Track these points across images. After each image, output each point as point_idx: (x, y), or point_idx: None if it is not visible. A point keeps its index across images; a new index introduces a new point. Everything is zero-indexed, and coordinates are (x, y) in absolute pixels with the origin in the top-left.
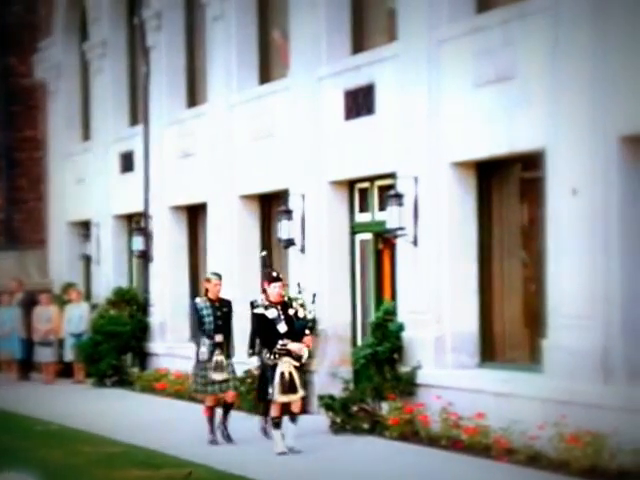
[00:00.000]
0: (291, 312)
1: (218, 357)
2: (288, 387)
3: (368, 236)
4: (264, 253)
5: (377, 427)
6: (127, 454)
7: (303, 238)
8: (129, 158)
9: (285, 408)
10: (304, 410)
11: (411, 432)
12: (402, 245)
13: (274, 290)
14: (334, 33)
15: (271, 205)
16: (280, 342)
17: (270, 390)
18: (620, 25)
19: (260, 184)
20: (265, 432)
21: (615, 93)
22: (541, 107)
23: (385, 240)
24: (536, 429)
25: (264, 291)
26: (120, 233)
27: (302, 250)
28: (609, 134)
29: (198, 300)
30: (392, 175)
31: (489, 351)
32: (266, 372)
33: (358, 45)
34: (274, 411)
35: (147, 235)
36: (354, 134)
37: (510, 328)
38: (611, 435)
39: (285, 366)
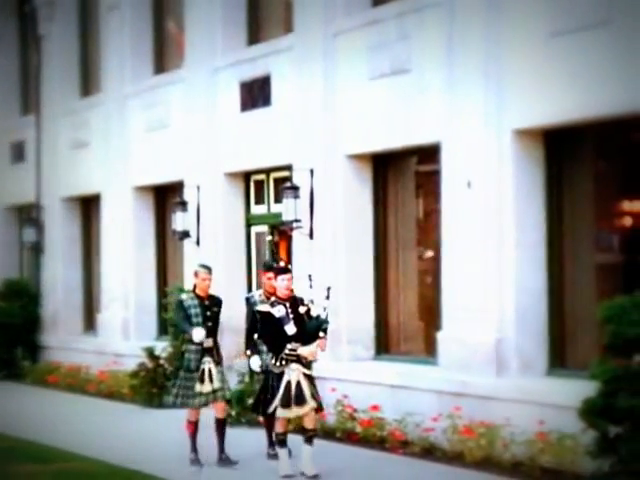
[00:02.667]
0: (301, 310)
1: (207, 365)
2: (294, 399)
3: (264, 228)
4: (270, 238)
5: None
6: (17, 449)
7: (198, 230)
8: (20, 148)
9: (296, 424)
10: None
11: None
12: (298, 237)
13: (282, 284)
14: (230, 24)
15: (166, 197)
16: (288, 346)
17: (276, 402)
18: (513, 19)
19: (155, 175)
20: (270, 456)
21: (508, 87)
22: (436, 100)
23: (281, 232)
24: (431, 421)
25: (270, 286)
26: (11, 224)
27: (197, 242)
28: (503, 128)
29: (184, 297)
30: (288, 167)
31: (385, 343)
32: (269, 380)
33: (254, 37)
34: (279, 426)
35: (39, 226)
36: (250, 126)
37: (406, 321)
38: (504, 426)
39: (293, 374)
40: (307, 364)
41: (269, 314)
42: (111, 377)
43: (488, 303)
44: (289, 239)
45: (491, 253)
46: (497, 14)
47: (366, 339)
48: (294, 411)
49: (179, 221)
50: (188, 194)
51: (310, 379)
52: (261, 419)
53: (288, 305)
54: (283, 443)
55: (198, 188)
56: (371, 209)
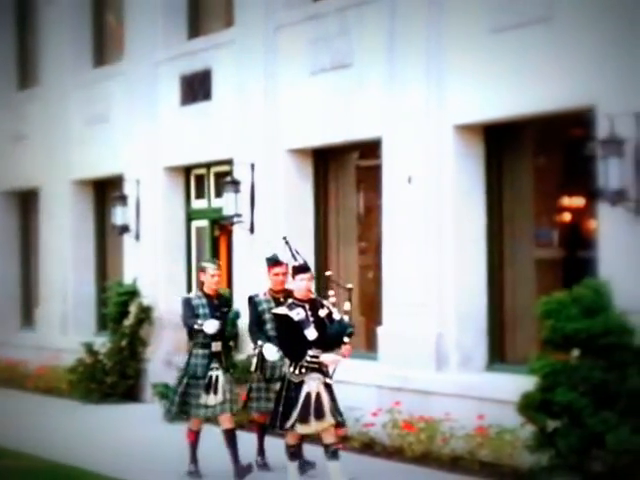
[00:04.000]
0: (322, 313)
1: (214, 373)
2: (314, 412)
3: (204, 223)
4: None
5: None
6: None
7: (138, 225)
8: None
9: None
10: (137, 398)
11: (247, 420)
12: (239, 232)
13: (301, 284)
14: (170, 17)
15: (106, 191)
16: (309, 353)
17: (294, 415)
18: (454, 15)
19: (95, 169)
20: (260, 465)
21: (449, 82)
22: (377, 95)
23: (222, 227)
24: (370, 416)
25: (277, 283)
26: None
27: (137, 237)
28: (444, 123)
29: (192, 295)
30: (229, 161)
31: None
32: (286, 391)
33: (194, 30)
34: (291, 438)
35: None
36: (190, 120)
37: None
38: (444, 421)
39: (313, 385)
40: (327, 373)
41: (287, 317)
42: (49, 372)
43: (428, 298)
44: (230, 234)
45: (431, 248)
46: (438, 10)
47: None
48: (313, 426)
49: (119, 215)
50: (128, 188)
51: (330, 390)
52: (255, 418)
53: (307, 307)
54: (294, 456)
55: (138, 182)
56: (312, 204)
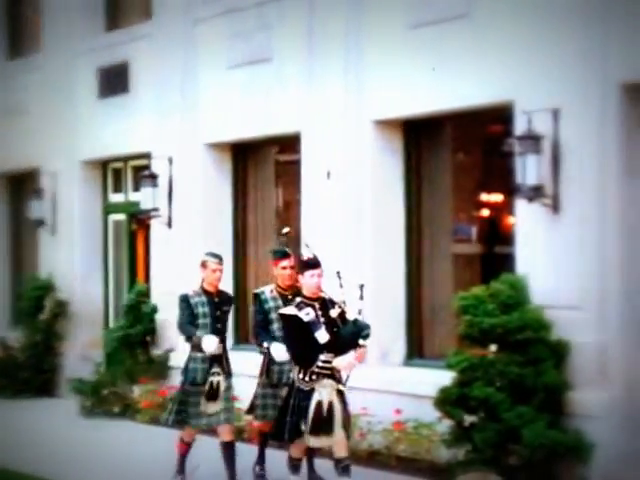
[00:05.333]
0: (333, 313)
1: (215, 378)
2: (327, 424)
3: (122, 217)
4: (287, 230)
5: (128, 410)
6: None
7: (54, 218)
8: None
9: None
10: (52, 393)
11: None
12: (156, 226)
13: (311, 281)
14: (88, 9)
15: (22, 184)
16: (321, 357)
17: (303, 427)
18: (374, 10)
19: (10, 162)
20: (259, 476)
21: (369, 78)
22: (296, 90)
23: (139, 221)
24: None
25: (285, 278)
26: None
27: (53, 231)
28: (363, 118)
29: (191, 293)
30: (146, 155)
31: (244, 334)
32: (294, 399)
33: (112, 23)
34: (296, 450)
35: None
36: (108, 113)
37: None
38: (361, 416)
39: (325, 392)
40: (340, 379)
41: (296, 318)
42: None
43: (346, 293)
44: (147, 228)
45: (350, 243)
46: (357, 5)
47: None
48: (325, 439)
49: (34, 209)
50: (44, 181)
51: (343, 398)
52: (259, 426)
53: (318, 307)
54: (296, 469)
55: (55, 175)
56: (230, 198)
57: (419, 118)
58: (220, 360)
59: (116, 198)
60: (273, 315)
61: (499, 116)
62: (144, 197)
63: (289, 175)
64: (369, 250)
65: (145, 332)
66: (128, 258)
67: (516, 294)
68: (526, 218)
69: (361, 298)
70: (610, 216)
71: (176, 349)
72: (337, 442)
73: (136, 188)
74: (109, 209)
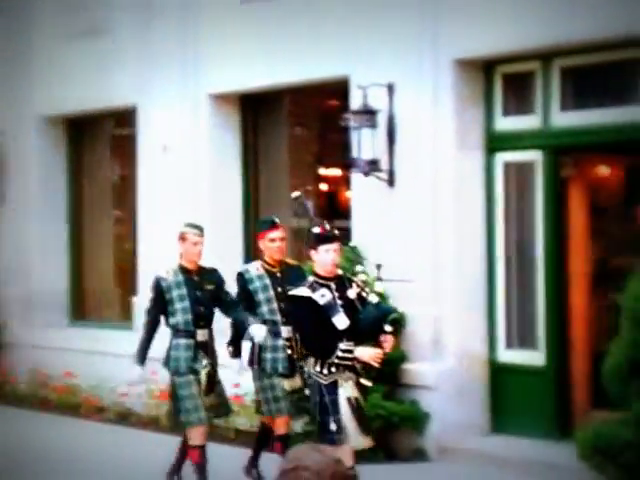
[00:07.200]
0: (351, 294)
1: (204, 368)
2: (361, 425)
3: None
4: (297, 194)
5: None
6: None
7: None
8: None
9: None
10: None
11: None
12: None
13: (326, 257)
14: None
15: None
16: (341, 346)
17: (332, 427)
18: None
19: None
20: (249, 472)
21: (204, 52)
22: (133, 64)
23: None
24: (126, 387)
25: (274, 251)
26: None
27: None
28: (199, 92)
29: (164, 275)
30: None
31: (80, 309)
32: (320, 396)
33: None
34: (347, 456)
35: None
36: None
37: (102, 286)
38: None
39: (349, 386)
40: (361, 372)
41: (310, 301)
42: None
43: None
44: None
45: (187, 218)
46: None
47: (60, 305)
48: (361, 441)
49: None
50: None
51: (364, 394)
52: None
53: (334, 287)
54: None
55: None
56: (66, 173)
57: (256, 92)
58: (205, 347)
59: None
60: (261, 296)
61: (336, 91)
62: None
63: (126, 149)
64: (207, 225)
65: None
66: None
67: (349, 266)
68: (362, 192)
69: (379, 279)
70: (444, 190)
71: (9, 325)
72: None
73: None
74: None
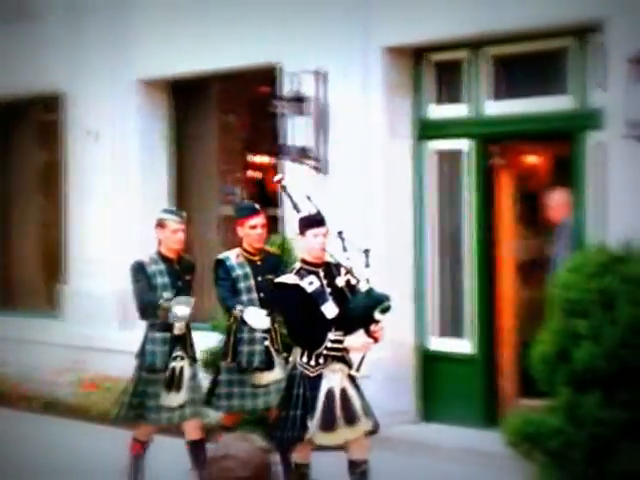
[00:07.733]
0: (340, 282)
1: (178, 364)
2: (343, 416)
3: None
4: (279, 177)
5: None
6: None
7: None
8: None
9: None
10: None
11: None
12: None
13: (315, 241)
14: None
15: None
16: (330, 336)
17: (309, 424)
18: None
19: None
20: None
21: (134, 38)
22: (62, 49)
23: None
24: (55, 376)
25: (254, 239)
26: None
27: None
28: (128, 79)
29: (147, 260)
30: None
31: (7, 298)
32: (297, 389)
33: None
34: (301, 455)
35: None
36: None
37: (29, 274)
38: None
39: (335, 379)
40: (351, 362)
41: (297, 289)
42: None
43: (112, 255)
44: None
45: (118, 205)
46: None
47: None
48: (341, 434)
49: None
50: None
51: (357, 384)
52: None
53: (322, 274)
54: (304, 478)
55: None
56: None
57: (185, 79)
58: (183, 341)
59: None
60: (242, 284)
61: (266, 77)
62: None
63: (53, 135)
64: (136, 211)
65: None
66: None
67: (282, 255)
68: (293, 180)
69: (367, 266)
70: (374, 178)
71: None
72: (355, 441)
73: None
74: None
